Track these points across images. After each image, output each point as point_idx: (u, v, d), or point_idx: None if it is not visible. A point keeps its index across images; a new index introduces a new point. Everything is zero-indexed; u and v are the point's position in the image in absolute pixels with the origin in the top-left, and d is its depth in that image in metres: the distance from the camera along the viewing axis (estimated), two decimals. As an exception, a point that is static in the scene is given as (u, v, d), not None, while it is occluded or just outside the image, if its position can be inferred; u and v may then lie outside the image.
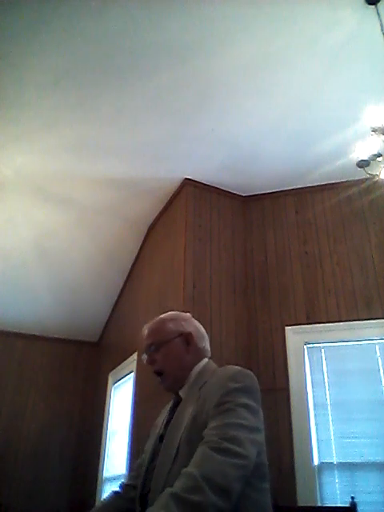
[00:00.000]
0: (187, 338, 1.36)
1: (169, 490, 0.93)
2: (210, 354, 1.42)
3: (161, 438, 1.28)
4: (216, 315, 3.23)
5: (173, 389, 1.36)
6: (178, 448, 1.15)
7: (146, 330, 1.43)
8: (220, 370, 1.29)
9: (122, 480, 1.50)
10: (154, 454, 1.27)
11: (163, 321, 1.42)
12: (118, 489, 1.42)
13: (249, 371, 1.23)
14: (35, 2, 2.28)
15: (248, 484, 1.04)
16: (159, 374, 1.36)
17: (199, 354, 1.38)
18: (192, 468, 0.97)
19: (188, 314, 1.50)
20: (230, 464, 0.97)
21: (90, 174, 3.61)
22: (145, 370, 3.59)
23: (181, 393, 1.33)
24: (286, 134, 3.14)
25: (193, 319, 1.47)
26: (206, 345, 1.42)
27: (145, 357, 1.40)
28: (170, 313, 1.48)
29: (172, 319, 1.42)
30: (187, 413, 1.20)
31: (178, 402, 1.33)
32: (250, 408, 1.12)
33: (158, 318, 1.45)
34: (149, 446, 1.36)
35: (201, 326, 1.47)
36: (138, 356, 3.83)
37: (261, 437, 1.12)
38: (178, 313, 1.50)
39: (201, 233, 3.49)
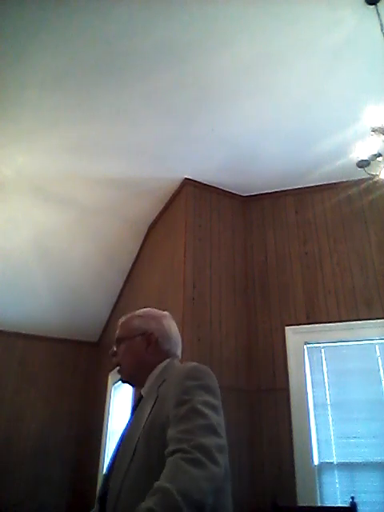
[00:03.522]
0: (148, 338, 1.35)
1: (145, 505, 0.89)
2: (176, 357, 1.40)
3: (123, 437, 1.28)
4: (216, 315, 3.23)
5: (127, 381, 1.39)
6: (135, 449, 1.13)
7: (119, 322, 1.44)
8: (178, 367, 1.28)
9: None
10: (117, 454, 1.26)
11: (132, 317, 1.42)
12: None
13: (205, 366, 1.22)
14: (35, 2, 2.28)
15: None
16: (117, 366, 1.38)
17: (161, 355, 1.36)
18: (166, 482, 0.92)
19: (165, 312, 1.48)
20: (204, 477, 0.94)
21: (90, 174, 3.61)
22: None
23: (142, 392, 1.33)
24: (285, 134, 3.14)
25: (166, 318, 1.44)
26: (172, 347, 1.39)
27: (112, 349, 1.41)
28: (144, 309, 1.47)
29: (141, 316, 1.42)
30: (146, 413, 1.20)
31: (139, 400, 1.33)
32: (210, 405, 1.10)
33: (130, 313, 1.45)
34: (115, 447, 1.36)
35: (174, 327, 1.44)
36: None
37: (224, 436, 1.09)
38: (153, 310, 1.47)
39: (201, 233, 3.49)
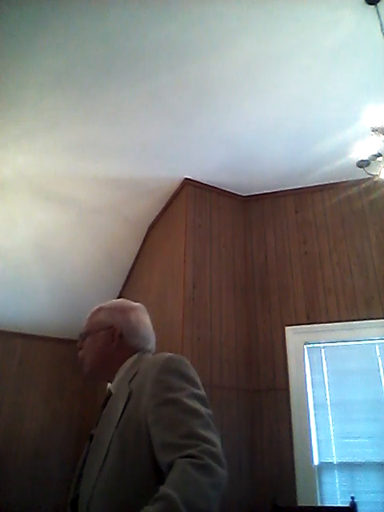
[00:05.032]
0: (112, 334, 1.28)
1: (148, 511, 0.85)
2: (147, 351, 1.32)
3: (91, 438, 1.20)
4: (216, 315, 3.23)
5: (89, 377, 1.32)
6: (108, 448, 1.05)
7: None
8: (150, 359, 1.21)
9: None
10: (86, 457, 1.18)
11: (98, 310, 1.36)
12: None
13: (179, 356, 1.14)
14: (35, 2, 2.28)
15: None
16: (80, 358, 1.32)
17: (128, 351, 1.28)
18: (171, 489, 0.87)
19: (137, 304, 1.41)
20: (211, 485, 0.90)
21: (90, 173, 3.61)
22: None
23: (112, 388, 1.25)
24: (285, 134, 3.14)
25: (135, 311, 1.36)
26: (141, 342, 1.31)
27: (79, 341, 1.34)
28: (113, 301, 1.40)
29: (107, 308, 1.35)
30: (118, 409, 1.11)
31: (108, 397, 1.24)
32: (195, 396, 1.04)
33: (98, 305, 1.38)
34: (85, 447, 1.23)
35: (144, 320, 1.36)
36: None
37: (214, 426, 1.04)
38: (122, 302, 1.41)
39: (201, 233, 3.49)
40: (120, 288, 5.04)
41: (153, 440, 1.00)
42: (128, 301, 1.43)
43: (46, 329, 5.37)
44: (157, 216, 4.15)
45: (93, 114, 3.02)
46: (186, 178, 3.61)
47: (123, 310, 1.35)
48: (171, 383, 1.05)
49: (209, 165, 3.49)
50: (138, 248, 4.60)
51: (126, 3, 2.27)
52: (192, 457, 0.93)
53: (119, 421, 1.08)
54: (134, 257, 4.70)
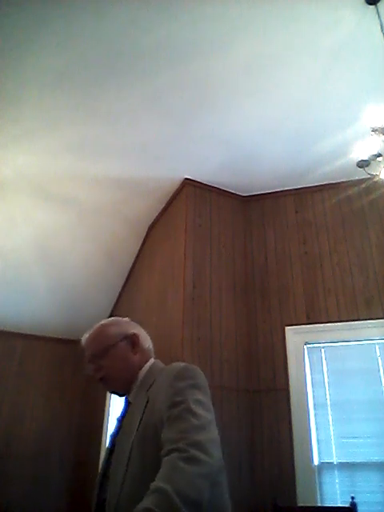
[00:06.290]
0: (133, 340, 1.36)
1: (142, 506, 0.90)
2: (153, 355, 1.42)
3: (113, 445, 1.26)
4: (216, 315, 3.23)
5: (117, 391, 1.36)
6: (130, 453, 1.13)
7: (85, 342, 1.39)
8: (166, 368, 1.28)
9: None
10: (109, 463, 1.24)
11: (103, 327, 1.39)
12: None
13: (194, 366, 1.23)
14: (35, 2, 2.28)
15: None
16: (102, 379, 1.34)
17: (145, 355, 1.38)
18: (163, 482, 0.93)
19: (126, 318, 1.49)
20: (199, 475, 0.96)
21: (90, 173, 3.61)
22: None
23: (130, 398, 1.32)
24: (285, 133, 3.14)
25: (132, 322, 1.46)
26: (150, 345, 1.42)
27: (90, 367, 1.36)
28: (108, 319, 1.45)
29: (112, 324, 1.41)
30: (137, 417, 1.19)
31: (127, 407, 1.31)
32: (201, 403, 1.12)
33: (95, 327, 1.41)
34: (104, 455, 1.34)
35: (140, 327, 1.46)
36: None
37: (215, 430, 1.11)
38: (116, 318, 1.48)
39: (201, 233, 3.49)
40: (120, 288, 5.04)
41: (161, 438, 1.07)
42: (114, 317, 1.50)
43: (46, 329, 5.36)
44: (157, 216, 4.15)
45: (93, 113, 3.02)
46: (186, 178, 3.61)
47: (125, 322, 1.44)
48: (181, 389, 1.14)
49: (209, 165, 3.49)
50: (138, 248, 4.60)
51: (126, 3, 2.27)
52: (179, 450, 0.99)
53: (138, 427, 1.16)
54: (134, 257, 4.70)
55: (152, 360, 1.38)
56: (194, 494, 0.92)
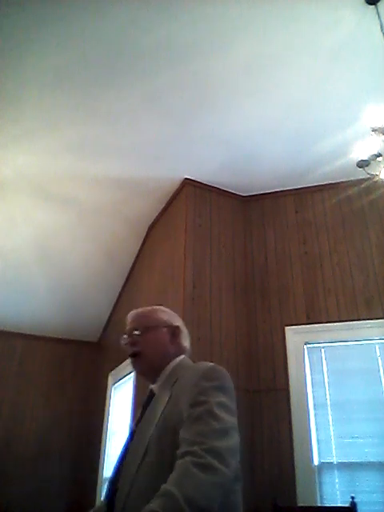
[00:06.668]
0: (174, 331, 1.38)
1: (149, 508, 0.89)
2: (188, 354, 1.43)
3: (132, 435, 1.27)
4: (216, 315, 3.23)
5: (144, 374, 1.37)
6: (147, 446, 1.12)
7: (132, 316, 1.43)
8: (192, 366, 1.28)
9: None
10: (126, 452, 1.25)
11: (155, 310, 1.43)
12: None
13: (221, 367, 1.22)
14: (35, 2, 2.28)
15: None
16: (134, 355, 1.35)
17: (180, 350, 1.39)
18: (173, 486, 0.92)
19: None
20: (212, 483, 0.94)
21: (90, 173, 3.61)
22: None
23: (154, 387, 1.31)
24: (285, 133, 3.14)
25: (179, 317, 1.49)
26: (188, 345, 1.44)
27: (125, 338, 1.38)
28: (160, 307, 1.48)
29: (163, 311, 1.44)
30: (158, 410, 1.18)
31: (150, 397, 1.31)
32: (225, 407, 1.10)
33: (148, 307, 1.46)
34: (125, 441, 1.34)
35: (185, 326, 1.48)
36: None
37: (238, 438, 1.09)
38: (167, 309, 1.50)
39: (201, 233, 3.49)
40: (120, 288, 5.04)
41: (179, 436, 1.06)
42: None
43: (46, 329, 5.36)
44: (157, 216, 4.15)
45: (93, 113, 3.02)
46: (186, 178, 3.61)
47: (175, 315, 1.47)
48: (206, 389, 1.12)
49: (209, 165, 3.49)
50: (138, 248, 4.60)
51: (126, 3, 2.27)
52: (194, 454, 0.97)
53: (158, 421, 1.15)
54: (134, 257, 4.70)
55: (183, 356, 1.39)
56: (203, 502, 0.91)
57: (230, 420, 1.08)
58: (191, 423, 1.05)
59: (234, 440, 1.05)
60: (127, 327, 1.41)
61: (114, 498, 1.14)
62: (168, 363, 1.33)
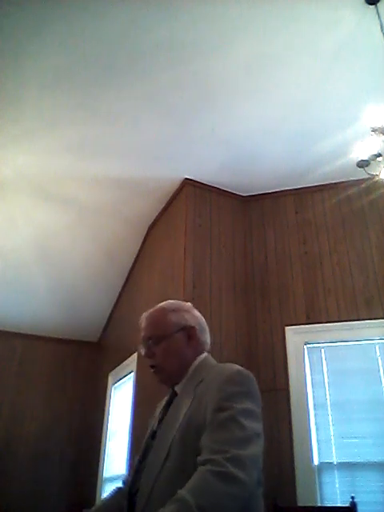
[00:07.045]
0: (189, 333, 1.30)
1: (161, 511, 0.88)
2: (209, 347, 1.36)
3: (153, 435, 1.24)
4: (216, 315, 3.23)
5: (167, 382, 1.32)
6: (169, 448, 1.10)
7: (144, 320, 1.36)
8: (217, 368, 1.24)
9: (126, 475, 1.43)
10: (146, 452, 1.22)
11: (165, 312, 1.34)
12: (120, 485, 1.38)
13: (248, 371, 1.18)
14: (35, 2, 2.28)
15: None
16: (153, 367, 1.30)
17: (199, 348, 1.32)
18: (188, 493, 0.90)
19: (189, 303, 1.43)
20: (228, 494, 0.92)
21: (90, 173, 3.61)
22: (145, 370, 3.59)
23: (177, 388, 1.28)
24: (285, 133, 3.14)
25: (194, 310, 1.40)
26: (207, 338, 1.36)
27: (142, 348, 1.33)
28: (170, 302, 1.40)
29: (174, 310, 1.34)
30: (181, 412, 1.16)
31: (173, 397, 1.28)
32: (250, 413, 1.07)
33: (158, 308, 1.37)
34: (143, 442, 1.31)
35: (201, 316, 1.40)
36: (138, 356, 3.84)
37: (261, 444, 1.06)
38: (179, 302, 1.41)
39: (201, 233, 3.49)
40: (120, 288, 5.04)
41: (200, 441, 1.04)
42: (179, 301, 1.44)
43: (46, 329, 5.36)
44: (157, 216, 4.15)
45: (93, 114, 3.02)
46: (186, 178, 3.61)
47: (187, 309, 1.37)
48: (231, 394, 1.09)
49: (209, 165, 3.49)
50: (138, 248, 4.60)
51: (126, 3, 2.27)
52: (215, 463, 0.94)
53: (181, 423, 1.12)
54: (134, 257, 4.70)
55: (205, 354, 1.33)
56: None
57: (254, 427, 1.05)
58: (214, 429, 1.03)
59: (257, 448, 1.03)
60: (142, 334, 1.35)
61: (133, 498, 1.13)
62: (189, 366, 1.28)
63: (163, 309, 1.36)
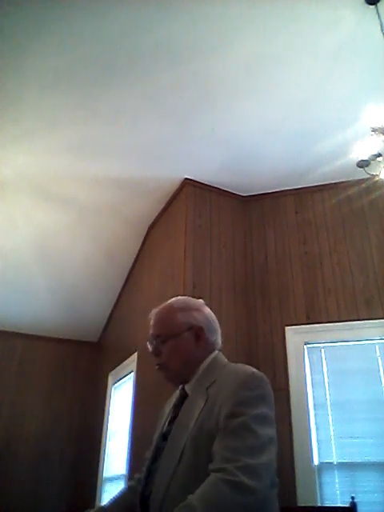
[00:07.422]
0: (197, 333, 1.27)
1: None
2: (220, 347, 1.33)
3: (164, 436, 1.22)
4: (216, 315, 3.22)
5: (173, 381, 1.30)
6: (182, 452, 1.08)
7: (153, 317, 1.33)
8: (230, 368, 1.22)
9: (136, 474, 1.39)
10: (157, 453, 1.21)
11: (173, 310, 1.30)
12: (124, 485, 1.38)
13: (261, 374, 1.16)
14: (35, 2, 2.28)
15: None
16: (159, 365, 1.28)
17: (208, 348, 1.29)
18: (197, 500, 0.90)
19: (200, 300, 1.39)
20: (237, 503, 0.91)
21: (90, 174, 3.61)
22: (145, 370, 3.59)
23: (187, 388, 1.25)
24: (285, 134, 3.14)
25: (205, 308, 1.37)
26: (217, 337, 1.33)
27: (149, 345, 1.30)
28: (181, 299, 1.36)
29: (182, 309, 1.31)
30: (194, 414, 1.13)
31: (183, 397, 1.26)
32: (264, 418, 1.06)
33: (167, 305, 1.34)
34: (153, 442, 1.29)
35: (212, 314, 1.37)
36: (138, 356, 3.83)
37: (274, 450, 1.06)
38: (189, 300, 1.38)
39: (201, 233, 3.49)
40: (120, 288, 5.04)
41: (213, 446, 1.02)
42: (190, 298, 1.41)
43: (46, 329, 5.36)
44: (157, 216, 4.15)
45: (93, 113, 3.02)
46: (186, 178, 3.61)
47: (197, 308, 1.34)
48: (246, 399, 1.07)
49: (209, 165, 3.49)
50: (138, 248, 4.60)
51: (126, 3, 2.27)
52: (227, 472, 0.94)
53: (194, 425, 1.10)
54: (134, 257, 4.70)
55: (215, 352, 1.30)
56: None
57: (268, 432, 1.05)
58: (226, 436, 1.01)
59: (270, 454, 1.03)
60: (150, 331, 1.32)
61: (146, 500, 1.12)
62: (198, 366, 1.25)
63: (172, 307, 1.33)
